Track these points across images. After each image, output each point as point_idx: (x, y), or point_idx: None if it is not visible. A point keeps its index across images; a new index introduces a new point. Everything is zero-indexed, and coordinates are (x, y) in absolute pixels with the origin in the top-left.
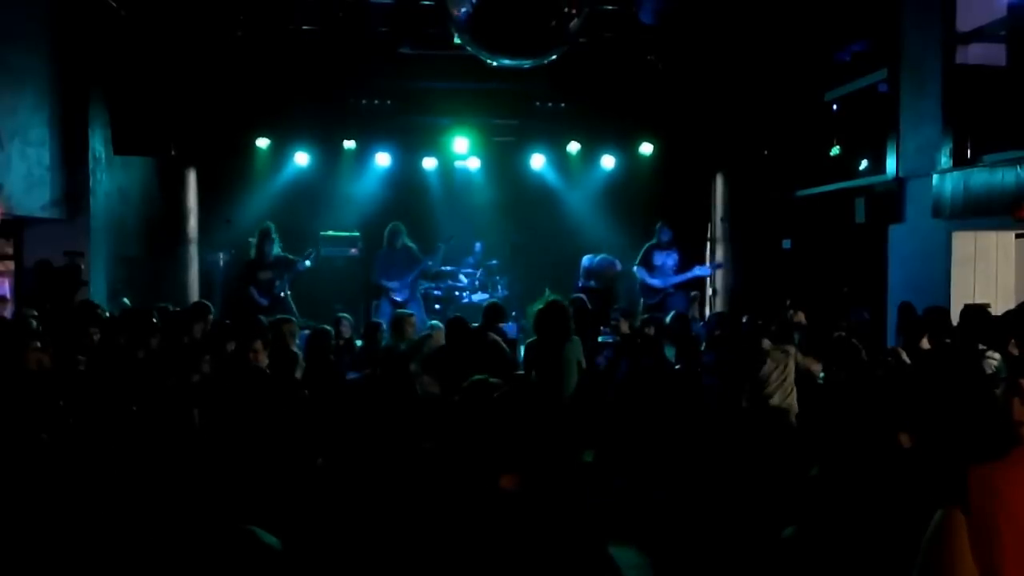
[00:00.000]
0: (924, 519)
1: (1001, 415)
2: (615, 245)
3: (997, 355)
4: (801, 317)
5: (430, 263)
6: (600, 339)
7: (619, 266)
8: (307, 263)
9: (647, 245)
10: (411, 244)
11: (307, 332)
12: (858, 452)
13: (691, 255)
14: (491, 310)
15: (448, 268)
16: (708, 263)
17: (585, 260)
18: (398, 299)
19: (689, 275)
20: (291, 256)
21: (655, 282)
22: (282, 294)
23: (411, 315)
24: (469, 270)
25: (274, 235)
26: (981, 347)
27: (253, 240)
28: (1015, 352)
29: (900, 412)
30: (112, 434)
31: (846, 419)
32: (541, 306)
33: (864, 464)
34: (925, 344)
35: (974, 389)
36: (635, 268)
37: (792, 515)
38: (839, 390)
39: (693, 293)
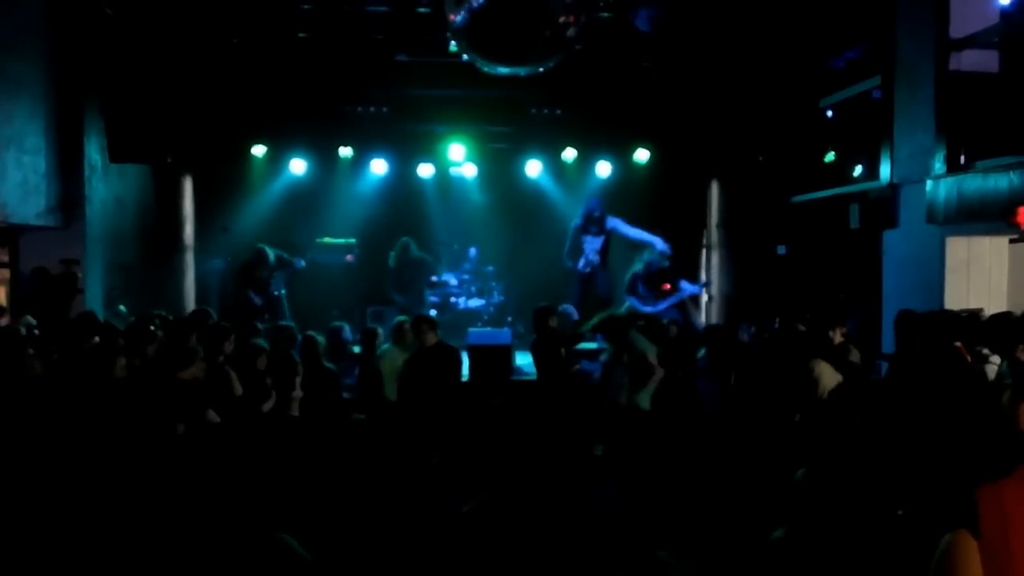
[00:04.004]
0: (920, 529)
1: (1007, 426)
2: (611, 250)
3: (997, 358)
4: (799, 323)
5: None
6: (585, 345)
7: (575, 315)
8: (302, 262)
9: (573, 228)
10: (422, 255)
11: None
12: (846, 455)
13: (679, 264)
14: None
15: (443, 274)
16: (700, 281)
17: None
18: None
19: (678, 297)
20: (286, 256)
21: (647, 309)
22: (276, 293)
23: (407, 321)
24: (465, 276)
25: (268, 255)
26: (984, 352)
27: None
28: (1023, 357)
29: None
30: (116, 439)
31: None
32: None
33: (852, 466)
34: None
35: (979, 401)
36: (627, 298)
37: (781, 517)
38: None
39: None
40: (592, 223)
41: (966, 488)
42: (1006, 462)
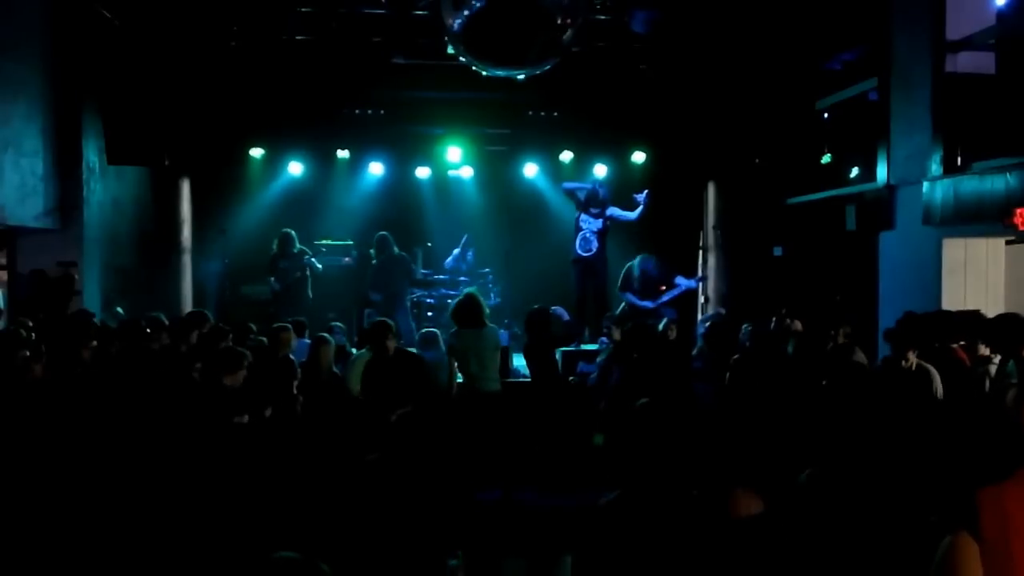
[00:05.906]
0: (920, 532)
1: (1012, 424)
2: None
3: (998, 358)
4: (798, 325)
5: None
6: (585, 347)
7: (565, 316)
8: (320, 266)
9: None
10: (401, 253)
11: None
12: (848, 457)
13: (675, 265)
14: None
15: (441, 276)
16: (695, 276)
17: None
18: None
19: (676, 292)
20: (310, 253)
21: (645, 304)
22: (297, 277)
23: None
24: (462, 278)
25: (294, 236)
26: (985, 353)
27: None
28: None
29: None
30: (115, 443)
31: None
32: None
33: (854, 470)
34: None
35: (980, 403)
36: (623, 294)
37: (782, 518)
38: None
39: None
40: (592, 201)
41: (967, 490)
42: (1007, 464)
